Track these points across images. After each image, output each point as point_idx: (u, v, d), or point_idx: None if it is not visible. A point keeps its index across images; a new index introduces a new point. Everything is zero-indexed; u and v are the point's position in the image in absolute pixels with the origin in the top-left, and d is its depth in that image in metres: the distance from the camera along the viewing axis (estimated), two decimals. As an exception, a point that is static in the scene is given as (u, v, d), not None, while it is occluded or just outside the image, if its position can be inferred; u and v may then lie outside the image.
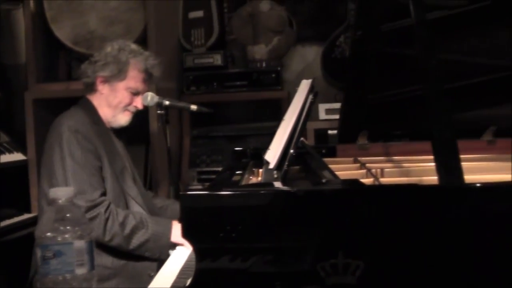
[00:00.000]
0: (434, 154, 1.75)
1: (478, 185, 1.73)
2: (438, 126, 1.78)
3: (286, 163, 2.01)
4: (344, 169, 2.60)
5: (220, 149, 4.27)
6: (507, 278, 1.59)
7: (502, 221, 1.60)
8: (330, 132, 3.95)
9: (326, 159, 2.76)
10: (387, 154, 2.85)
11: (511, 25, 2.81)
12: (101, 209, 2.58)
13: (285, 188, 1.73)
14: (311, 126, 4.07)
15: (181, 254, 2.41)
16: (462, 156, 2.65)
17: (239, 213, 1.57)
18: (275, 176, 1.97)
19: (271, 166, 2.09)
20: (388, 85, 2.87)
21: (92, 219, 2.55)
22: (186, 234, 1.59)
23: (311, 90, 2.21)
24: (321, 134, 4.07)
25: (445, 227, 1.59)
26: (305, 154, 2.55)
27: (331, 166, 2.62)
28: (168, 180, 3.71)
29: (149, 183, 3.92)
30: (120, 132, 2.98)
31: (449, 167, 1.70)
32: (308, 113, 2.13)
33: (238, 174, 2.40)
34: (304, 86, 2.29)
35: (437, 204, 1.60)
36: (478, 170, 2.51)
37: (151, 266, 2.65)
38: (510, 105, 2.95)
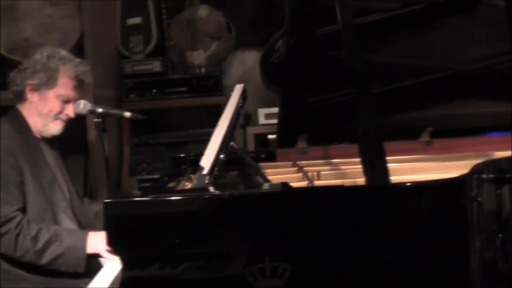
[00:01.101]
0: (361, 155, 1.75)
1: (403, 184, 1.74)
2: (364, 128, 1.78)
3: (216, 168, 1.98)
4: (281, 173, 2.58)
5: (161, 157, 4.22)
6: (433, 273, 1.60)
7: (427, 218, 1.61)
8: (270, 136, 3.94)
9: (264, 164, 2.75)
10: (326, 157, 2.85)
11: (445, 28, 2.85)
12: (11, 224, 2.50)
13: (207, 193, 1.69)
14: (251, 131, 4.06)
15: (114, 264, 2.36)
16: (400, 157, 2.73)
17: (164, 219, 1.53)
18: (207, 181, 1.94)
19: (205, 171, 2.06)
20: (326, 88, 2.87)
21: (2, 235, 2.48)
22: (111, 242, 1.54)
23: (243, 95, 2.18)
24: (261, 139, 4.06)
25: (372, 226, 1.59)
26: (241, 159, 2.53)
27: (269, 170, 2.62)
28: (107, 189, 3.64)
29: (89, 193, 3.84)
30: (54, 141, 2.90)
31: (375, 168, 1.70)
32: (237, 118, 2.10)
33: (175, 180, 2.36)
34: (237, 91, 2.27)
35: (363, 204, 1.60)
36: (416, 170, 2.54)
37: (84, 280, 2.58)
38: (445, 106, 2.99)
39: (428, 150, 2.87)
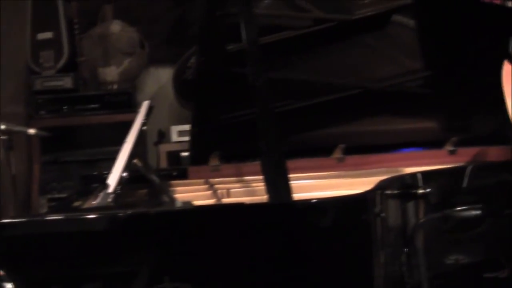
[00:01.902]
0: (263, 172, 1.73)
1: (306, 201, 1.73)
2: (266, 145, 1.76)
3: (119, 186, 1.92)
4: (192, 191, 2.54)
5: (72, 175, 4.09)
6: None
7: (330, 234, 1.59)
8: (182, 154, 3.89)
9: (176, 182, 2.70)
10: (239, 174, 2.82)
11: (357, 46, 2.88)
12: None
13: (104, 212, 1.64)
14: (164, 148, 4.00)
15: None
16: (312, 174, 2.72)
17: (57, 239, 1.46)
18: (110, 199, 1.87)
19: (110, 189, 2.00)
20: (239, 105, 2.85)
21: None
22: (1, 265, 1.45)
23: (149, 112, 2.14)
24: (173, 156, 4.00)
25: (275, 244, 1.56)
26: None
27: (180, 188, 2.56)
28: (14, 208, 3.51)
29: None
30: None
31: (277, 185, 1.67)
32: (140, 135, 2.05)
33: (82, 199, 2.29)
34: (143, 107, 2.23)
35: (265, 222, 1.57)
36: (328, 187, 2.53)
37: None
38: (358, 123, 3.01)
39: (341, 167, 2.87)
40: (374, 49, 2.92)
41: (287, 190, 1.68)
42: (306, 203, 1.72)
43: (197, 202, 2.31)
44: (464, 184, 2.32)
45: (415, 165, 2.73)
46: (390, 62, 2.96)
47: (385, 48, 2.93)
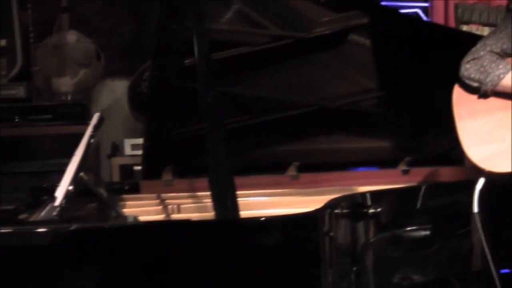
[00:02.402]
0: (210, 188, 1.71)
1: (253, 219, 1.71)
2: (214, 161, 1.74)
3: (64, 200, 1.88)
4: (142, 206, 2.50)
5: (23, 187, 4.00)
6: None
7: (278, 253, 1.58)
8: (136, 168, 3.84)
9: (127, 196, 2.66)
10: (192, 190, 2.78)
11: (313, 63, 2.88)
12: None
13: (44, 226, 1.59)
14: (116, 161, 3.95)
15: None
16: (266, 191, 2.71)
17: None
18: (55, 213, 1.82)
19: (57, 202, 1.95)
20: (192, 119, 2.82)
21: None
22: None
23: (100, 124, 2.10)
24: (126, 170, 3.95)
25: (222, 262, 1.54)
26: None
27: (131, 203, 2.52)
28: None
29: None
30: None
31: (225, 202, 1.65)
32: (89, 148, 2.01)
33: (29, 212, 2.23)
34: (94, 120, 2.19)
35: (211, 240, 1.55)
36: (281, 205, 2.52)
37: None
38: (313, 141, 3.02)
39: (295, 184, 2.86)
40: (330, 67, 2.93)
41: (235, 207, 1.66)
42: (253, 221, 1.71)
43: (146, 218, 2.28)
44: (416, 204, 2.33)
45: (368, 184, 2.75)
46: (346, 81, 2.97)
47: (341, 67, 2.95)
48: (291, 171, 2.92)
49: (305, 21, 2.85)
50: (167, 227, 1.61)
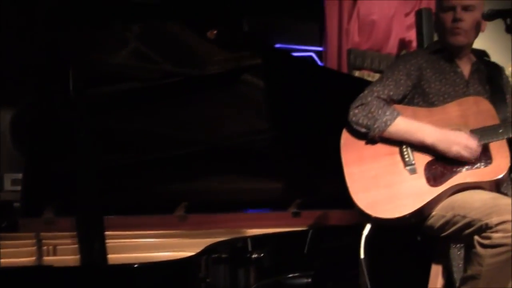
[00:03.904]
0: (77, 230, 1.60)
1: (122, 265, 1.61)
2: (83, 201, 1.64)
3: None
4: (17, 246, 2.35)
5: None
6: None
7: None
8: (16, 204, 3.64)
9: (4, 235, 2.49)
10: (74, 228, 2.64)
11: (206, 101, 2.84)
12: None
13: None
14: (-4, 197, 3.75)
15: None
16: (152, 232, 2.61)
17: None
18: None
19: None
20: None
21: None
22: None
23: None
24: (5, 206, 3.74)
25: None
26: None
27: (7, 242, 2.37)
28: None
29: None
30: None
31: (92, 245, 1.55)
32: None
33: None
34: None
35: (77, 286, 1.44)
36: (166, 247, 2.42)
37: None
38: (203, 180, 2.95)
39: (183, 225, 2.78)
40: (224, 106, 2.91)
41: (102, 251, 1.55)
42: (122, 267, 1.61)
43: (19, 260, 2.14)
44: (303, 248, 2.30)
45: (258, 227, 2.70)
46: (239, 120, 2.95)
47: (235, 106, 2.93)
48: (179, 211, 2.84)
49: (200, 59, 2.81)
50: (25, 272, 1.48)
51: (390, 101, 2.52)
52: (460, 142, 2.38)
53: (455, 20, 2.51)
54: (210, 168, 2.94)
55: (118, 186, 2.67)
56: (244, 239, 2.15)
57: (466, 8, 2.50)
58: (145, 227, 2.65)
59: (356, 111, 2.49)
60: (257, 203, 3.02)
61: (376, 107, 2.47)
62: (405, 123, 2.45)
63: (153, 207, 2.82)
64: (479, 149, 2.39)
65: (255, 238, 2.14)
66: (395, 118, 2.44)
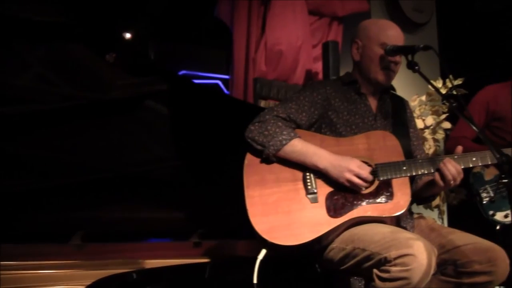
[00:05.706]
0: None
1: None
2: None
3: None
4: None
5: None
6: None
7: None
8: None
9: None
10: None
11: (107, 127, 2.76)
12: None
13: None
14: None
15: None
16: (46, 262, 2.49)
17: None
18: None
19: None
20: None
21: None
22: None
23: None
24: None
25: None
26: None
27: None
28: None
29: None
30: None
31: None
32: None
33: None
34: None
35: None
36: (62, 279, 2.32)
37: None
38: (102, 209, 2.86)
39: (79, 255, 2.66)
40: (127, 133, 2.84)
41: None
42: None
43: None
44: (203, 280, 2.25)
45: (157, 257, 2.63)
46: (141, 148, 2.89)
47: (137, 133, 2.86)
48: (76, 240, 2.72)
49: (104, 83, 2.74)
50: None
51: (291, 122, 2.52)
52: (352, 169, 2.40)
53: (396, 63, 2.55)
54: (111, 196, 2.85)
55: (13, 213, 2.56)
56: (138, 272, 2.07)
57: None
58: (40, 256, 2.53)
59: (253, 127, 2.48)
60: (159, 233, 2.95)
61: (273, 125, 2.47)
62: (302, 145, 2.45)
63: (50, 236, 2.70)
64: (370, 177, 2.41)
65: (147, 271, 2.06)
66: (292, 139, 2.44)
